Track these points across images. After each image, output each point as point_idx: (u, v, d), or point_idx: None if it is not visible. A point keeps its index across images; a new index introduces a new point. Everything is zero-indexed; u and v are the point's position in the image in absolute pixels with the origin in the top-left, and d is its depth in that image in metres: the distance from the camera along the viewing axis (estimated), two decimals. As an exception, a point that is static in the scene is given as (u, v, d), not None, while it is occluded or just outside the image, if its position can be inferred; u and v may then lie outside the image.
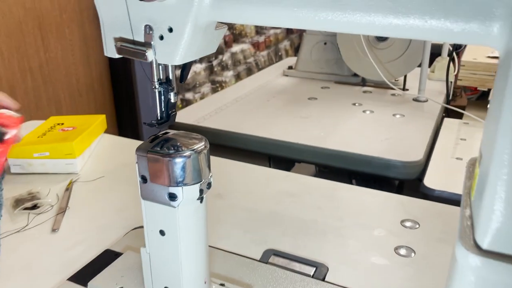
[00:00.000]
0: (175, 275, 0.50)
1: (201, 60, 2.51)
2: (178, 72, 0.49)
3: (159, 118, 0.50)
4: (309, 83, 1.62)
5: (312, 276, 0.59)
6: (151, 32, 0.44)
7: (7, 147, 0.61)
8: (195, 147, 0.46)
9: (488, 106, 0.33)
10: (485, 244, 0.30)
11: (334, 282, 0.58)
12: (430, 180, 0.92)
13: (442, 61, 1.60)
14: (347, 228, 0.71)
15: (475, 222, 0.32)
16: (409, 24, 0.33)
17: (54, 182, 0.85)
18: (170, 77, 0.48)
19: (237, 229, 0.70)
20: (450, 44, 1.51)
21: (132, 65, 1.94)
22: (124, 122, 2.09)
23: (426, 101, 1.40)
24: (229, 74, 2.77)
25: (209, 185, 0.48)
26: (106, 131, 1.06)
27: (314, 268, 0.61)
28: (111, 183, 0.86)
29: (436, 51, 1.60)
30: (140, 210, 0.49)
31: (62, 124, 0.99)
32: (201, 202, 0.48)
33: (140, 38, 0.45)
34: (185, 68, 0.49)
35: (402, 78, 1.51)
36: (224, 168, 0.91)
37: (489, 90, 1.39)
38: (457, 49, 1.50)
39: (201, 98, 2.47)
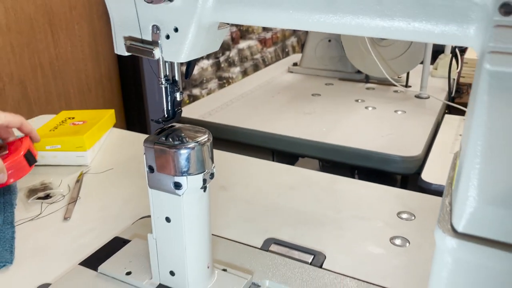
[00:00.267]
0: (180, 260, 0.53)
1: (208, 57, 2.51)
2: (184, 69, 0.53)
3: (165, 115, 0.53)
4: (313, 79, 1.64)
5: (310, 263, 0.62)
6: (158, 31, 0.47)
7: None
8: (199, 139, 0.49)
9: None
10: (460, 227, 0.33)
11: (331, 269, 0.61)
12: (428, 174, 0.94)
13: (445, 58, 1.62)
14: (345, 219, 0.73)
15: (453, 208, 0.34)
16: (394, 26, 0.36)
17: (66, 173, 0.89)
18: (176, 77, 0.51)
19: (239, 219, 0.73)
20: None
21: (140, 61, 1.97)
22: (132, 117, 2.12)
23: (428, 98, 1.42)
24: (236, 70, 2.78)
25: (212, 175, 0.51)
26: (115, 126, 1.09)
27: (312, 256, 0.63)
28: (120, 175, 0.89)
29: (439, 48, 1.61)
30: (146, 200, 0.52)
31: (73, 118, 1.02)
32: (204, 191, 0.51)
33: (148, 37, 0.48)
34: (189, 65, 0.52)
35: (405, 75, 1.53)
36: (228, 162, 0.94)
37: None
38: (460, 46, 1.52)
39: (208, 94, 2.49)
